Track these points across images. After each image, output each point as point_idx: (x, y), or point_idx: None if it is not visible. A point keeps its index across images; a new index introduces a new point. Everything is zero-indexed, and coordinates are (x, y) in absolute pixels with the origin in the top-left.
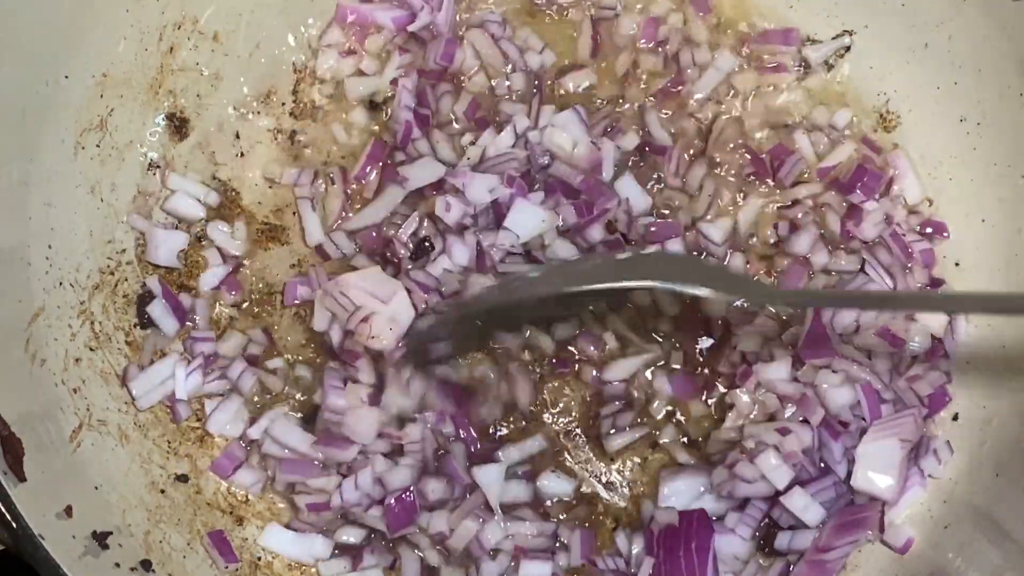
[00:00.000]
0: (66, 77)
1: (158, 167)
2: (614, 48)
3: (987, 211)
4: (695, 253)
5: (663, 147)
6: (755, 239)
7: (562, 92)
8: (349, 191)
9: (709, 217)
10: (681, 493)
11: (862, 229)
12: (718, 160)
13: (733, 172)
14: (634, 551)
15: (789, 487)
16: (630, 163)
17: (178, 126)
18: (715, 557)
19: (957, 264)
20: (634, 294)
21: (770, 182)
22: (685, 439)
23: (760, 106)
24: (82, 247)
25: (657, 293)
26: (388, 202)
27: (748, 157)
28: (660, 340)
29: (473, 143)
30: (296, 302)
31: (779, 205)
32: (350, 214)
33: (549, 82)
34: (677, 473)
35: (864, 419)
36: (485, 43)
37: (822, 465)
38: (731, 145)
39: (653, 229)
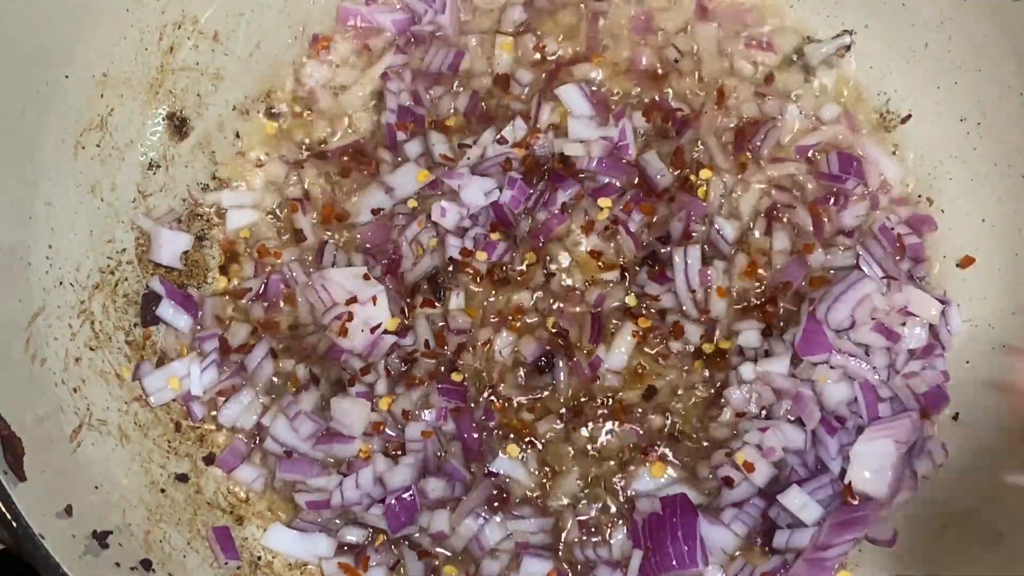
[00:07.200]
0: (66, 77)
1: (158, 167)
2: (612, 40)
3: (987, 211)
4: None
5: (684, 119)
6: (756, 233)
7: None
8: (331, 187)
9: (724, 213)
10: (657, 480)
11: (842, 217)
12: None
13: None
14: (618, 541)
15: (784, 487)
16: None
17: (178, 126)
18: (702, 543)
19: (958, 265)
20: None
21: (748, 155)
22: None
23: (750, 88)
24: (82, 247)
25: None
26: (374, 204)
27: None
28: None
29: (472, 144)
30: (276, 299)
31: (761, 187)
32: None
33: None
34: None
35: (861, 416)
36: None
37: (817, 463)
38: (720, 121)
39: (678, 206)
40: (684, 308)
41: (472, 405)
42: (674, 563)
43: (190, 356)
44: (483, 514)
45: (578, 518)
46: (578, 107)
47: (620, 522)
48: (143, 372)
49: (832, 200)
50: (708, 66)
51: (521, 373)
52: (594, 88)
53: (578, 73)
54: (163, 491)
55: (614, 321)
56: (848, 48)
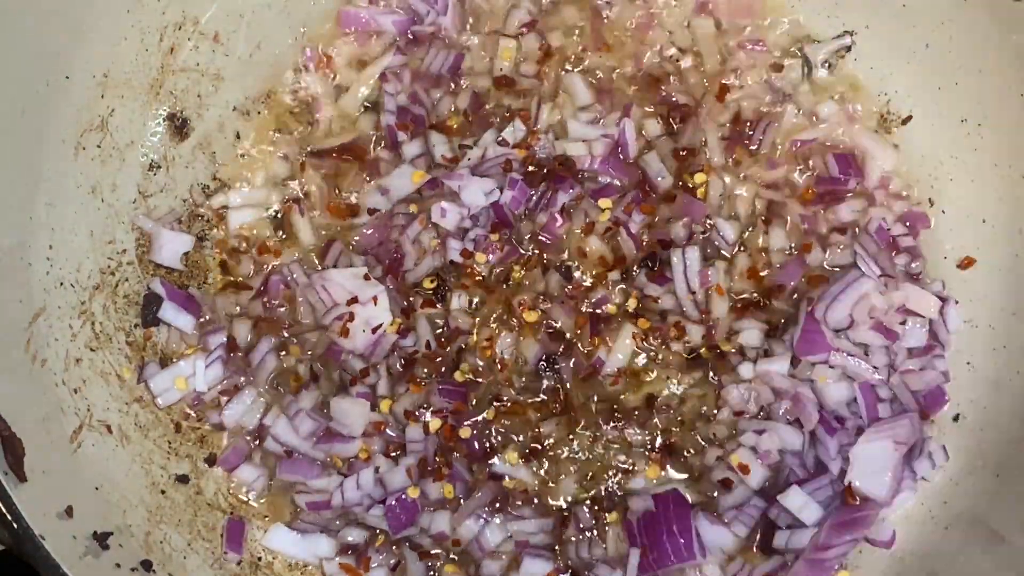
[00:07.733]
0: (67, 77)
1: (159, 167)
2: (615, 37)
3: (987, 211)
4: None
5: (684, 116)
6: (756, 233)
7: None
8: (331, 186)
9: (723, 214)
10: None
11: (839, 211)
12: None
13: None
14: (615, 541)
15: (784, 487)
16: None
17: (179, 126)
18: (698, 535)
19: (959, 265)
20: None
21: (747, 154)
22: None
23: (750, 88)
24: (83, 247)
25: None
26: (371, 204)
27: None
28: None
29: (473, 145)
30: (276, 300)
31: (759, 186)
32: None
33: (564, 68)
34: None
35: (861, 417)
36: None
37: (817, 463)
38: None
39: (678, 207)
40: (684, 309)
41: (473, 406)
42: (671, 558)
43: (195, 355)
44: (484, 515)
45: (578, 518)
46: (581, 96)
47: (617, 522)
48: (149, 373)
49: (829, 197)
50: (709, 64)
51: (522, 374)
52: (594, 82)
53: (582, 67)
54: (163, 492)
55: (614, 322)
56: (849, 48)
